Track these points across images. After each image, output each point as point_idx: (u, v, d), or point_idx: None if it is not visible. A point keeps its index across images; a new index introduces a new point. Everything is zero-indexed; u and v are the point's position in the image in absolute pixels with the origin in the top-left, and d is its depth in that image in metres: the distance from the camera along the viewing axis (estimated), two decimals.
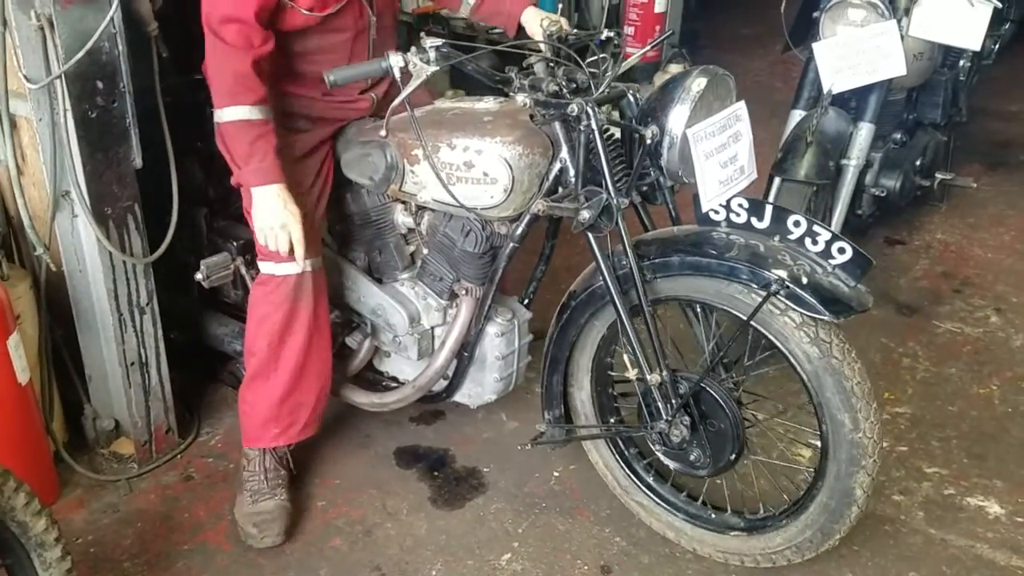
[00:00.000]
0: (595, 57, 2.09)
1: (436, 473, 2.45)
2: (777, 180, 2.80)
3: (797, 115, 2.99)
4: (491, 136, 1.96)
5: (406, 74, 1.84)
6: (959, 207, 4.04)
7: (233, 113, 1.92)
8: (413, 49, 1.84)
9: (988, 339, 3.14)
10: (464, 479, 2.43)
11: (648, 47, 2.40)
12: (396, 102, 1.85)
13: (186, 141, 2.36)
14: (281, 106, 2.09)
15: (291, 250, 2.02)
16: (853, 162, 2.93)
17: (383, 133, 1.93)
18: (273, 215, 1.97)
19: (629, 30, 4.79)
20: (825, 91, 2.79)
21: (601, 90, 1.90)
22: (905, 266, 3.61)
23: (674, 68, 4.82)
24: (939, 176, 3.54)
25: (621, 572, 2.15)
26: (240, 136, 1.94)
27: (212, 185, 2.54)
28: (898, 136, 3.36)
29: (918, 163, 3.43)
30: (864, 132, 2.93)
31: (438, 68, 1.83)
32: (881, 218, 3.59)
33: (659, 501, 2.22)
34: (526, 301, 2.34)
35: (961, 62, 3.58)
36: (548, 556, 2.19)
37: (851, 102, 2.96)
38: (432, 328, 2.32)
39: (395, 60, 1.82)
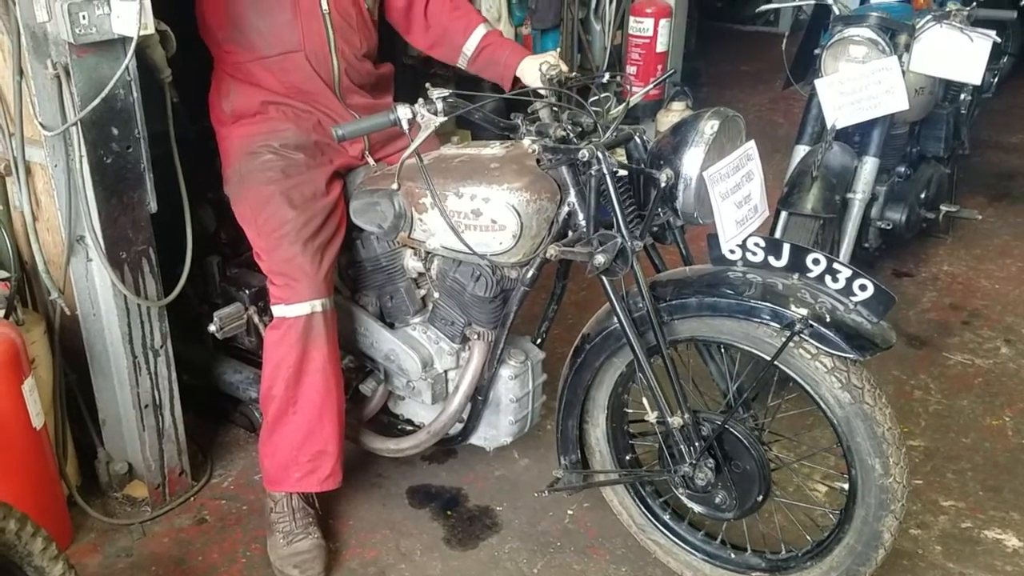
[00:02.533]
0: (597, 97, 2.12)
1: (449, 512, 2.44)
2: (784, 214, 2.81)
3: (801, 150, 3.02)
4: (498, 183, 1.97)
5: (414, 125, 1.86)
6: (965, 239, 4.06)
7: None
8: (420, 101, 1.86)
9: (999, 370, 3.14)
10: (477, 518, 2.42)
11: (651, 86, 2.43)
12: (407, 154, 1.86)
13: (198, 189, 2.37)
14: (273, 139, 2.15)
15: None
16: (859, 195, 2.94)
17: (395, 186, 1.95)
18: None
19: (631, 69, 4.83)
20: (829, 126, 2.82)
21: (609, 134, 1.92)
22: (913, 298, 3.62)
23: (677, 106, 4.86)
24: (944, 208, 3.57)
25: None
26: None
27: (224, 232, 2.56)
28: (902, 169, 3.39)
29: (923, 196, 3.46)
30: (868, 166, 2.95)
31: (446, 119, 1.84)
32: (888, 251, 3.61)
33: (676, 540, 2.20)
34: (539, 341, 2.34)
35: (962, 96, 3.63)
36: None
37: (854, 137, 2.98)
38: (445, 372, 2.33)
39: (402, 112, 1.84)
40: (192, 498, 2.47)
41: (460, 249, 2.03)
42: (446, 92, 1.87)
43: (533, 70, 2.22)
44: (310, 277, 2.09)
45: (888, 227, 3.30)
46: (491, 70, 2.38)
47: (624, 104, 2.07)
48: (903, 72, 2.80)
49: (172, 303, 2.29)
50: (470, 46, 2.37)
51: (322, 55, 2.21)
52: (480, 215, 2.00)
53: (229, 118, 2.29)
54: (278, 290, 2.12)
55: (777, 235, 2.80)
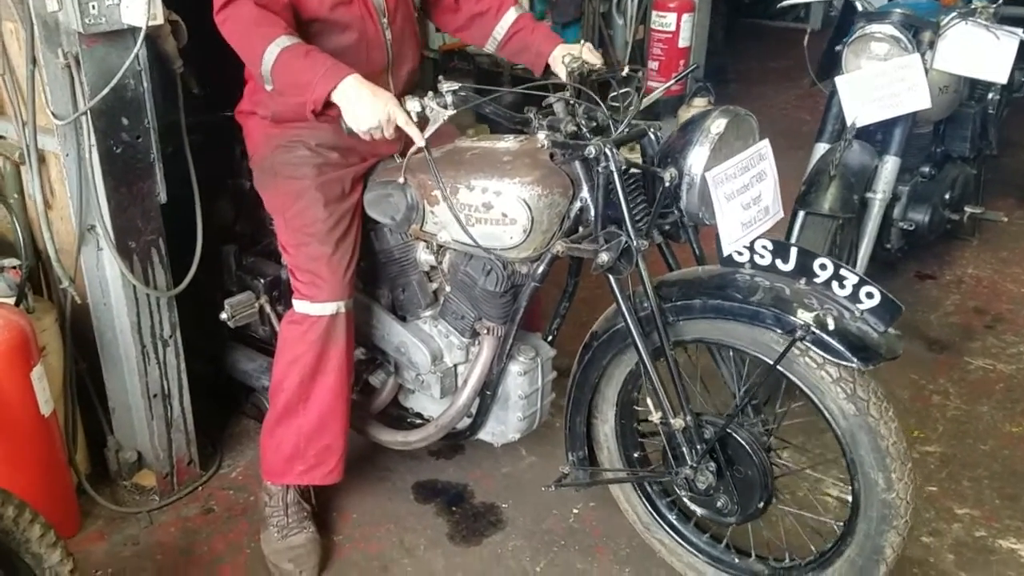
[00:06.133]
0: (617, 92, 2.09)
1: (454, 508, 2.43)
2: (801, 214, 2.77)
3: (821, 148, 2.97)
4: (510, 177, 1.96)
5: (424, 119, 1.84)
6: (991, 241, 3.99)
7: (273, 50, 1.87)
8: (430, 94, 1.84)
9: (1021, 376, 3.08)
10: (482, 515, 2.41)
11: (671, 82, 2.39)
12: (415, 148, 1.85)
13: (218, 178, 2.37)
14: (309, 137, 2.11)
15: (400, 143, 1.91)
16: (879, 195, 2.89)
17: (401, 179, 1.93)
18: (370, 110, 1.84)
19: (653, 65, 4.79)
20: (848, 124, 2.77)
21: (620, 130, 1.89)
22: (936, 301, 3.56)
23: (699, 102, 4.81)
24: (969, 210, 3.50)
25: None
26: (292, 63, 1.87)
27: (242, 222, 2.56)
28: (926, 169, 3.33)
29: (947, 197, 3.40)
30: (889, 165, 2.90)
31: (455, 112, 1.83)
32: (911, 252, 3.55)
33: (681, 541, 2.18)
34: (550, 338, 2.32)
35: (989, 95, 3.55)
36: None
37: (876, 135, 2.93)
38: (455, 366, 2.31)
39: (412, 105, 1.83)
40: (200, 488, 2.49)
41: (471, 243, 2.02)
42: (456, 85, 1.85)
43: (559, 60, 2.18)
44: (337, 278, 2.08)
45: (911, 228, 3.24)
46: (523, 56, 2.32)
47: (637, 99, 2.04)
48: (926, 70, 2.74)
49: (187, 291, 2.29)
50: (501, 29, 2.31)
51: (380, 80, 2.07)
52: (491, 208, 1.98)
53: (266, 119, 2.19)
54: (304, 287, 2.10)
55: (794, 235, 2.76)
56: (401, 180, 1.93)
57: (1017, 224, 4.11)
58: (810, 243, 2.70)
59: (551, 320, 2.32)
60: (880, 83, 2.71)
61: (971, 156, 3.54)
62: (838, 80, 2.79)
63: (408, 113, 1.85)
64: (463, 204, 2.00)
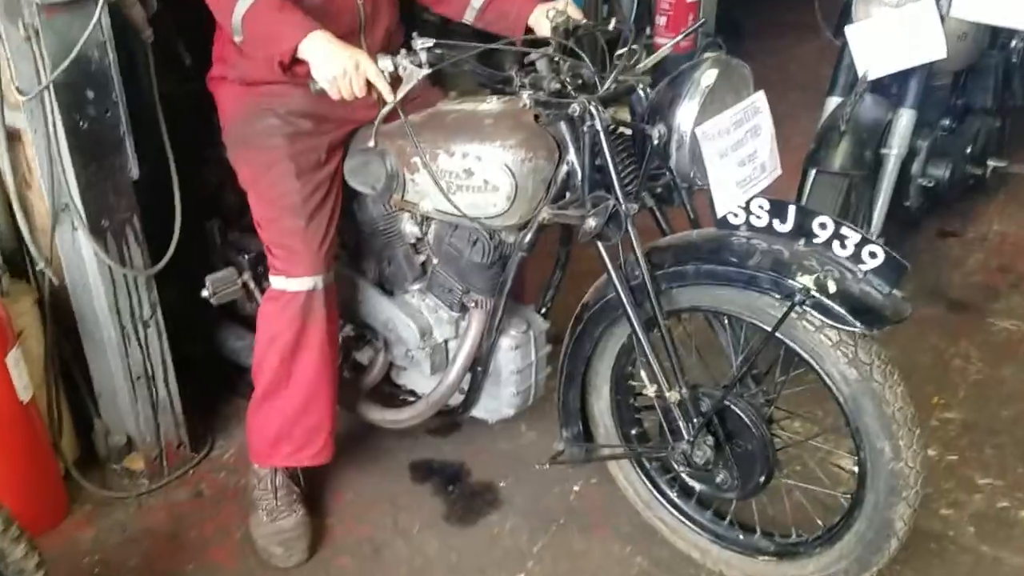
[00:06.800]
0: (624, 49, 1.96)
1: (451, 488, 2.35)
2: (812, 172, 2.63)
3: (833, 102, 2.82)
4: (491, 141, 1.85)
5: (397, 78, 1.74)
6: (1017, 196, 3.81)
7: (244, 3, 1.79)
8: (403, 51, 1.74)
9: None
10: (479, 494, 2.33)
11: (679, 37, 2.23)
12: (385, 109, 1.75)
13: (201, 148, 2.29)
14: (279, 105, 2.01)
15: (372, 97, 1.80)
16: (894, 151, 2.74)
17: (371, 144, 1.83)
18: (336, 59, 1.74)
19: (661, 20, 4.61)
20: (860, 76, 2.61)
21: (606, 86, 1.77)
22: (958, 260, 3.41)
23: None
24: (992, 164, 3.33)
25: None
26: (265, 13, 1.79)
27: (227, 194, 2.47)
28: (946, 123, 3.17)
29: (968, 151, 3.24)
30: (905, 119, 2.74)
31: (430, 71, 1.72)
32: (933, 209, 3.38)
33: (683, 519, 2.09)
34: (543, 310, 2.22)
35: (1013, 42, 3.35)
36: None
37: (891, 88, 2.77)
38: (445, 342, 2.22)
39: (384, 64, 1.73)
40: (191, 471, 2.43)
41: (453, 212, 1.92)
42: (431, 42, 1.74)
43: (542, 17, 2.05)
44: (313, 251, 1.99)
45: (931, 184, 3.08)
46: (502, 23, 2.20)
47: (633, 54, 1.91)
48: (942, 18, 2.57)
49: (173, 268, 2.21)
50: None
51: (353, 42, 1.92)
52: (472, 175, 1.88)
53: (235, 82, 2.12)
54: (279, 262, 2.02)
55: (804, 195, 2.63)
56: (371, 144, 1.83)
57: None
58: (821, 203, 2.57)
59: (544, 291, 2.22)
60: (893, 32, 2.55)
61: (993, 108, 3.36)
62: (848, 30, 2.64)
63: (381, 71, 1.75)
64: (443, 171, 1.90)
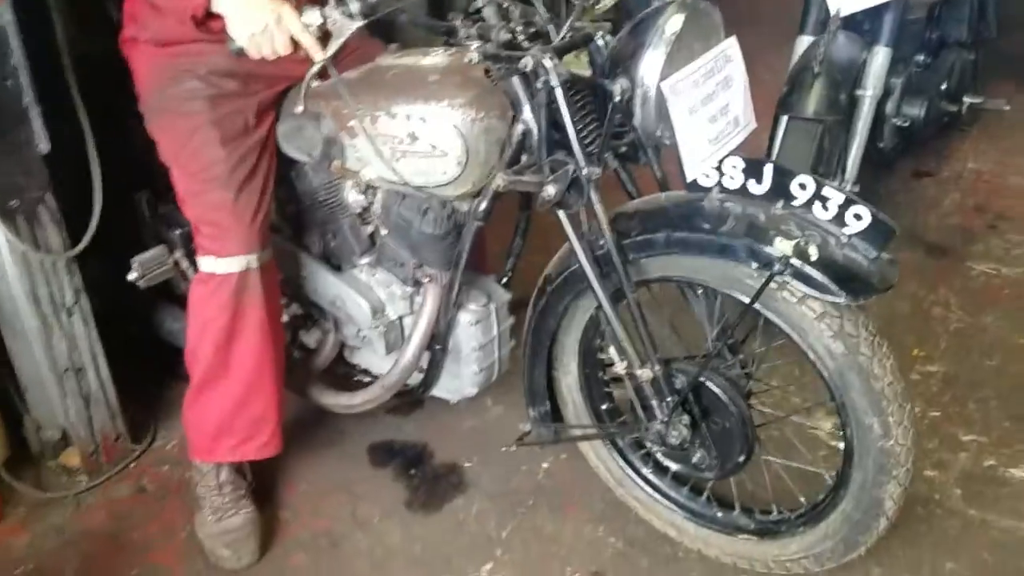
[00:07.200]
0: None
1: (413, 471, 2.21)
2: (784, 119, 2.47)
3: (804, 41, 2.64)
4: (436, 99, 1.66)
5: (326, 33, 1.55)
6: (992, 131, 3.69)
7: None
8: (332, 1, 1.54)
9: None
10: (443, 476, 2.19)
11: None
12: (313, 69, 1.57)
13: (120, 112, 2.08)
14: (199, 65, 1.81)
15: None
16: (869, 92, 2.58)
17: (300, 108, 1.64)
18: (255, 12, 1.56)
19: None
20: (832, 13, 2.44)
21: (561, 35, 1.60)
22: (934, 201, 3.30)
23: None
24: (967, 100, 3.20)
25: None
26: None
27: (156, 163, 2.26)
28: (920, 58, 3.02)
29: (944, 87, 3.10)
30: (880, 57, 2.57)
31: (364, 23, 1.53)
32: (907, 149, 3.24)
33: (658, 497, 1.97)
34: (504, 280, 2.06)
35: None
36: (535, 563, 1.96)
37: (864, 25, 2.61)
38: (400, 319, 2.06)
39: (310, 17, 1.53)
40: (133, 464, 2.26)
41: (399, 182, 1.75)
42: None
43: None
44: (245, 227, 1.81)
45: (905, 124, 2.94)
46: None
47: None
48: None
49: (100, 247, 2.03)
50: None
51: None
52: (417, 139, 1.69)
53: (149, 43, 1.94)
54: (206, 240, 1.84)
55: (776, 143, 2.47)
56: (300, 109, 1.64)
57: (1018, 111, 3.78)
58: (795, 151, 2.42)
59: (504, 260, 2.06)
60: None
61: (968, 41, 3.22)
62: None
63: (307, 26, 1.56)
64: (385, 135, 1.72)
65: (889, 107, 2.88)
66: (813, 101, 2.41)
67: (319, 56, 1.57)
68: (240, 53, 1.60)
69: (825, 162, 2.56)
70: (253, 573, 1.96)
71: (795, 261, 1.45)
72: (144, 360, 2.43)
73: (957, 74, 3.17)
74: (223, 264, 1.80)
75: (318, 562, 1.98)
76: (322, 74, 1.66)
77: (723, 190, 1.58)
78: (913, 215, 3.19)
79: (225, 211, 1.79)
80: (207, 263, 1.83)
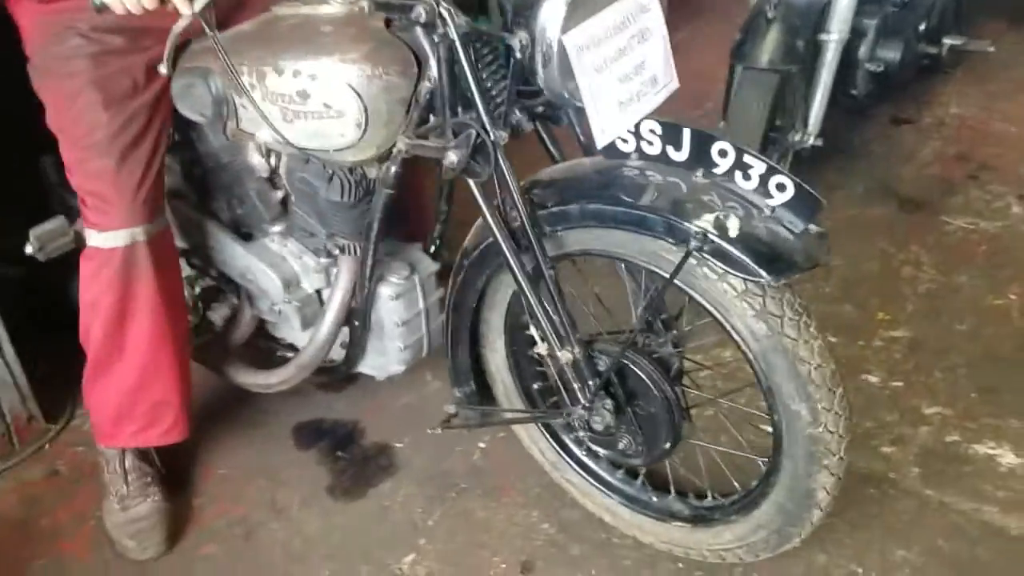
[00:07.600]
0: None
1: (340, 453, 2.09)
2: (739, 69, 2.29)
3: None
4: (328, 54, 1.49)
5: None
6: (976, 74, 3.49)
7: None
8: None
9: (1008, 235, 2.68)
10: (372, 458, 2.07)
11: None
12: (180, 23, 1.40)
13: (16, 66, 1.91)
14: (82, 20, 1.64)
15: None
16: (834, 36, 2.40)
17: (163, 70, 1.47)
18: None
19: None
20: None
21: None
22: (912, 150, 3.12)
23: None
24: (948, 41, 3.00)
25: (546, 568, 1.80)
26: None
27: None
28: None
29: (922, 28, 2.90)
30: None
31: None
32: (883, 95, 3.06)
33: (593, 481, 1.85)
34: (432, 249, 1.92)
35: None
36: (460, 554, 1.84)
37: None
38: (317, 292, 1.92)
39: None
40: (48, 444, 2.15)
41: (290, 143, 1.59)
42: None
43: None
44: (128, 198, 1.66)
45: (880, 69, 2.75)
46: None
47: None
48: None
49: (4, 216, 1.90)
50: None
51: None
52: (308, 98, 1.52)
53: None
54: (90, 213, 1.69)
55: (732, 96, 2.29)
56: (163, 71, 1.48)
57: (1006, 52, 3.57)
58: (750, 104, 2.24)
59: (432, 227, 1.90)
60: None
61: None
62: None
63: None
64: (274, 94, 1.55)
65: (862, 51, 2.70)
66: (768, 49, 2.24)
67: (186, 10, 1.40)
68: (102, 8, 1.44)
69: (788, 114, 2.39)
70: (160, 564, 1.85)
71: (714, 236, 1.29)
72: (61, 331, 2.29)
73: (937, 13, 2.97)
74: (106, 238, 1.66)
75: (230, 553, 1.87)
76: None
77: (642, 156, 1.42)
78: (888, 166, 3.02)
79: (106, 181, 1.63)
80: (91, 238, 1.69)
